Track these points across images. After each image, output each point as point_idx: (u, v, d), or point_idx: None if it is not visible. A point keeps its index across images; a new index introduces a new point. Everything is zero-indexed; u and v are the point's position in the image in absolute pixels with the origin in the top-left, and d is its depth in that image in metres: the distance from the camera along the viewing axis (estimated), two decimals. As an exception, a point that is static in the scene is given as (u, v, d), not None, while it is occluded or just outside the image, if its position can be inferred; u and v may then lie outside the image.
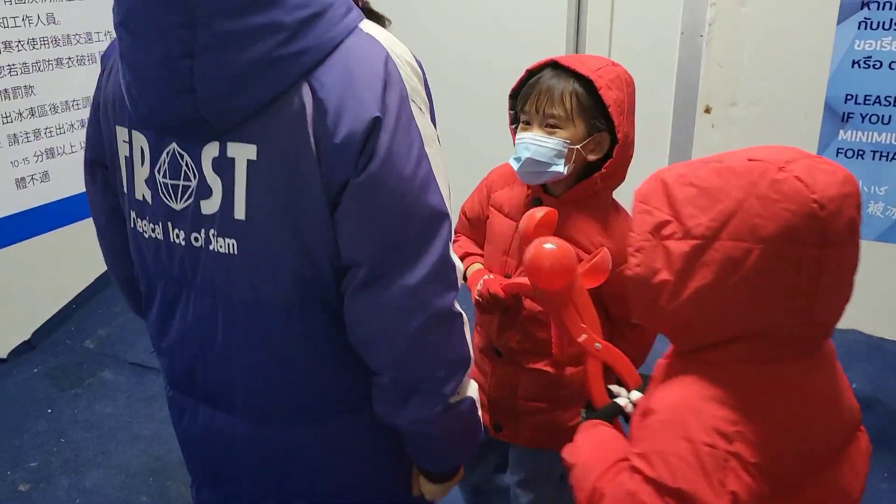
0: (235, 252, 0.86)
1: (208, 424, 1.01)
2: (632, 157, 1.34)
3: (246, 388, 0.95)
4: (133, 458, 2.27)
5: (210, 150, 0.84)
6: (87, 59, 2.91)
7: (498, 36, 2.77)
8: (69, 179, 2.91)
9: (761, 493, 0.81)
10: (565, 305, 1.11)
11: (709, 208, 0.83)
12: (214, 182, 0.85)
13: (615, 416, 1.09)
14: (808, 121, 2.50)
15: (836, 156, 2.47)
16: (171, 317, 0.98)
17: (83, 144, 2.90)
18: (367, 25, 0.86)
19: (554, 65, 1.30)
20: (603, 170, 1.30)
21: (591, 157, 1.30)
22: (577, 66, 1.27)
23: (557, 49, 2.71)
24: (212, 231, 0.87)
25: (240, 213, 0.84)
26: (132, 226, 0.96)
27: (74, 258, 3.02)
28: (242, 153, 0.82)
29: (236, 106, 0.80)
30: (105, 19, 2.94)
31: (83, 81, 2.89)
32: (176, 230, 0.90)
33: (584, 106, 1.27)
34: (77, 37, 2.86)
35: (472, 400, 0.96)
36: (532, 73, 1.32)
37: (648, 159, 2.72)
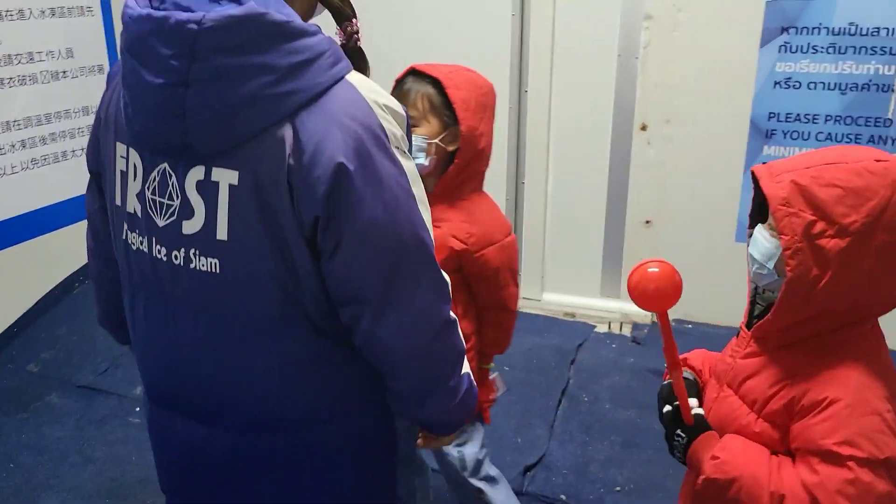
0: (218, 270, 0.90)
1: (187, 438, 1.03)
2: (485, 149, 1.50)
3: (230, 399, 0.98)
4: (87, 481, 2.23)
5: (195, 174, 0.88)
6: (28, 79, 2.86)
7: (447, 59, 2.86)
8: (11, 201, 2.85)
9: None
10: (666, 323, 1.10)
11: (860, 206, 0.94)
12: (198, 203, 0.89)
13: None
14: (735, 137, 2.67)
15: (762, 170, 2.66)
16: (153, 330, 1.01)
17: (24, 165, 2.87)
18: (354, 76, 0.91)
19: (413, 72, 1.47)
20: (455, 160, 1.46)
21: (451, 148, 1.46)
22: (430, 70, 1.46)
23: (502, 72, 2.83)
24: (192, 251, 0.91)
25: (222, 233, 0.89)
26: (123, 237, 0.99)
27: (15, 281, 2.95)
28: (226, 178, 0.87)
29: (222, 136, 0.85)
30: (47, 40, 2.92)
31: (25, 102, 2.85)
32: (158, 246, 0.94)
33: (434, 105, 1.44)
34: (18, 57, 2.82)
35: (468, 374, 1.03)
36: (399, 82, 1.49)
37: (589, 172, 2.89)
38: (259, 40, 0.83)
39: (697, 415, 1.10)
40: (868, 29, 2.41)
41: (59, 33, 3.01)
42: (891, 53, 2.41)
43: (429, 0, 2.85)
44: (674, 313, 3.16)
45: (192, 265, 0.91)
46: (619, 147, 2.84)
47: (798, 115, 2.58)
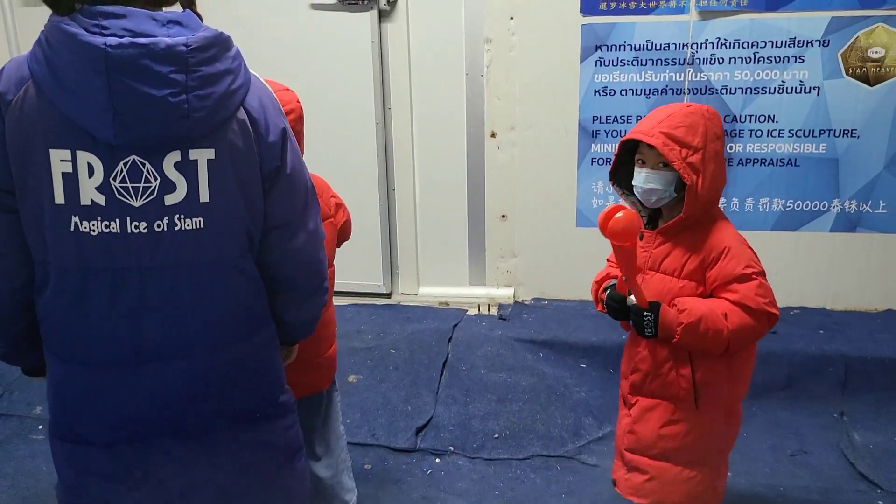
0: (202, 226, 1.18)
1: (148, 380, 1.22)
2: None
3: (206, 329, 1.23)
4: (1, 493, 2.32)
5: (172, 157, 1.14)
6: None
7: (317, 84, 3.17)
8: None
9: None
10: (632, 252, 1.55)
11: (696, 132, 1.58)
12: (178, 179, 1.15)
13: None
14: (568, 138, 3.17)
15: (592, 165, 3.17)
16: (120, 301, 1.18)
17: None
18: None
19: None
20: None
21: None
22: None
23: (367, 93, 3.18)
24: (177, 216, 1.16)
25: (204, 197, 1.16)
26: (70, 229, 1.13)
27: None
28: (203, 155, 1.15)
29: (210, 124, 1.14)
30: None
31: None
32: (135, 223, 1.15)
33: None
34: None
35: None
36: None
37: (450, 177, 3.31)
38: (220, 52, 1.14)
39: (651, 301, 1.60)
40: (661, 45, 2.99)
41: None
42: (679, 63, 2.99)
43: (295, 30, 3.16)
44: (531, 293, 3.64)
45: (177, 227, 1.16)
46: (473, 153, 3.26)
47: (615, 117, 3.11)
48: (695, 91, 3.01)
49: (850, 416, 2.60)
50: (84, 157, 1.12)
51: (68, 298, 1.19)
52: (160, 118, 1.10)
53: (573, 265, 3.30)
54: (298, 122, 1.77)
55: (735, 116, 3.01)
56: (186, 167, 1.15)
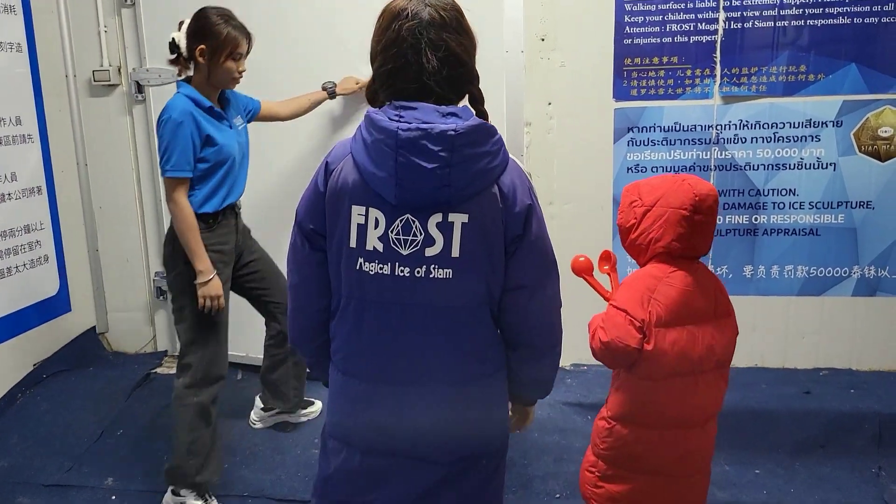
0: (451, 277, 1.39)
1: (400, 400, 1.46)
2: None
3: (443, 363, 1.45)
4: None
5: (435, 218, 1.37)
6: (-26, 201, 3.05)
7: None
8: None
9: (661, 318, 1.77)
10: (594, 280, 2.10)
11: (653, 193, 1.84)
12: (437, 236, 1.37)
13: None
14: (602, 212, 3.39)
15: (626, 236, 3.38)
16: (384, 327, 1.44)
17: None
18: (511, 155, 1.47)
19: None
20: None
21: None
22: None
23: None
24: (433, 266, 1.38)
25: (455, 253, 1.38)
26: (357, 268, 1.42)
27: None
28: (459, 219, 1.37)
29: (466, 194, 1.35)
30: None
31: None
32: (401, 267, 1.39)
33: None
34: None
35: None
36: None
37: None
38: (483, 137, 1.35)
39: None
40: (688, 126, 3.25)
41: (4, 160, 3.26)
42: (706, 143, 3.25)
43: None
44: (570, 359, 3.80)
45: (432, 275, 1.39)
46: (514, 226, 3.46)
47: (647, 192, 3.34)
48: (720, 167, 3.26)
49: (888, 471, 2.76)
50: (373, 213, 1.40)
51: (350, 321, 1.48)
52: (429, 185, 1.34)
53: (610, 331, 3.47)
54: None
55: (759, 190, 3.25)
56: (445, 227, 1.38)
